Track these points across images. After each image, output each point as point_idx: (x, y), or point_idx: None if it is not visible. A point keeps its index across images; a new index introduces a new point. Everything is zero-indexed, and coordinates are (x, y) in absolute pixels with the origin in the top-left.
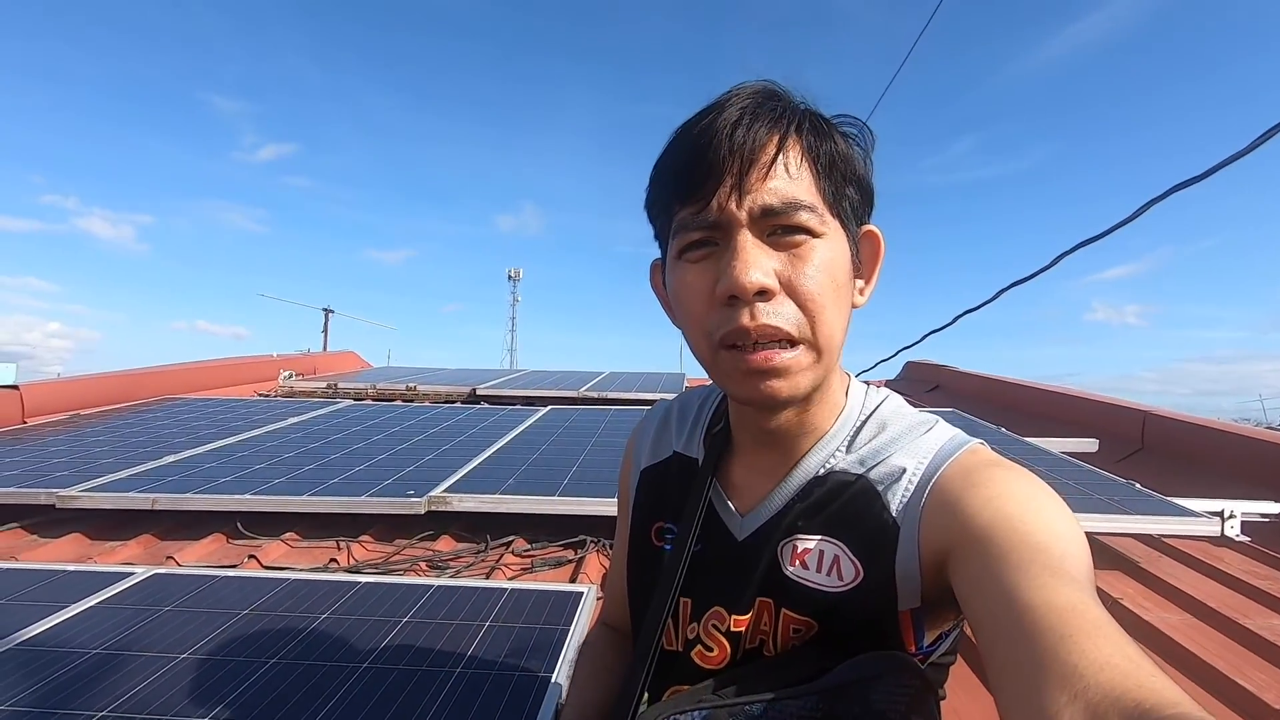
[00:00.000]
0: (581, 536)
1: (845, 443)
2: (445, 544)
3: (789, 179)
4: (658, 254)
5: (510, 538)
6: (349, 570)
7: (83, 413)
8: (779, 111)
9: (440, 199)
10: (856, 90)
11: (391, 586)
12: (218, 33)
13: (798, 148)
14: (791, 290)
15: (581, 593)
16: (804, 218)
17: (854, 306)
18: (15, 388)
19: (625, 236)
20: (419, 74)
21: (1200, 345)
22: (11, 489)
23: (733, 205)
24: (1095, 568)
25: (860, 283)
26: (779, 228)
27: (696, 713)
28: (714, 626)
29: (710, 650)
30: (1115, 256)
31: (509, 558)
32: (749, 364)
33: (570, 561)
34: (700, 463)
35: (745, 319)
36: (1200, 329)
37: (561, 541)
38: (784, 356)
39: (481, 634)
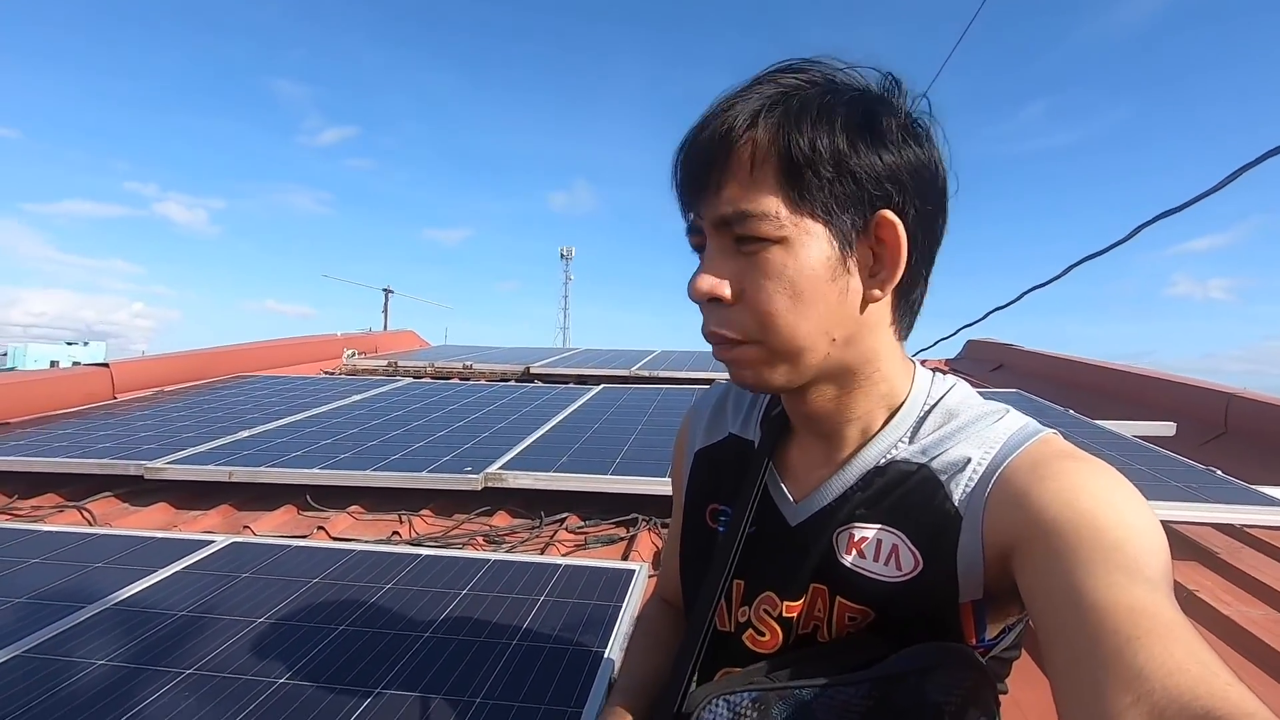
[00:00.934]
0: (633, 514)
1: (909, 433)
2: (501, 519)
3: (746, 185)
4: None
5: (564, 514)
6: (410, 543)
7: (165, 389)
8: (749, 111)
9: (496, 176)
10: (920, 53)
11: (450, 560)
12: (280, 15)
13: (763, 148)
14: (745, 298)
15: (633, 570)
16: (756, 225)
17: (871, 300)
18: (106, 366)
19: (678, 210)
20: (475, 48)
21: None
22: (105, 460)
23: (704, 214)
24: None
25: (882, 274)
26: (738, 236)
27: (747, 694)
28: (765, 611)
29: (762, 635)
30: (1199, 227)
31: (562, 534)
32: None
33: (622, 539)
34: (757, 445)
35: (705, 323)
36: None
37: (614, 519)
38: (733, 352)
39: (536, 608)
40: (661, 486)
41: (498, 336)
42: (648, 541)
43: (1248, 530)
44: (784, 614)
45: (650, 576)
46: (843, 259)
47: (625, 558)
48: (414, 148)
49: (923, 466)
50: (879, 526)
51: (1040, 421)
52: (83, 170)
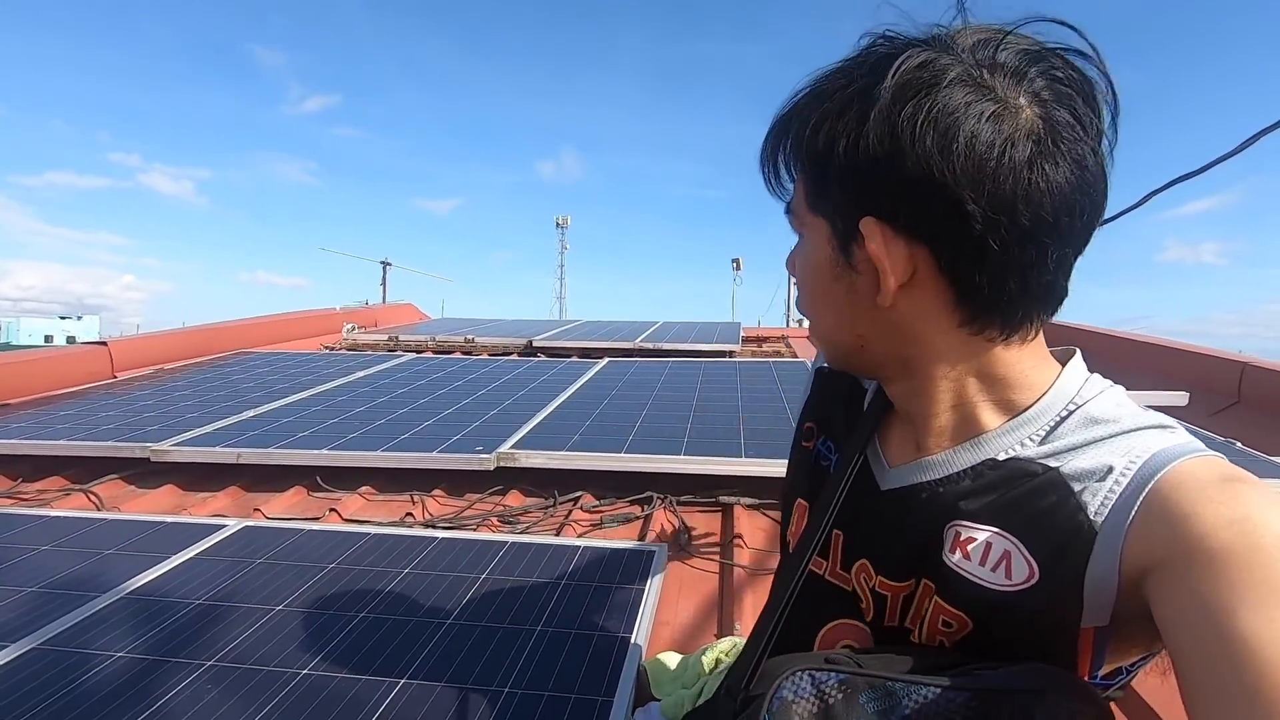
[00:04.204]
0: (649, 493)
1: (1041, 432)
2: (514, 499)
3: (799, 179)
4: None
5: (578, 493)
6: (425, 525)
7: (165, 366)
8: (803, 104)
9: (484, 145)
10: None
11: (468, 543)
12: None
13: (797, 148)
14: None
15: (653, 552)
16: (789, 218)
17: (879, 305)
18: (104, 344)
19: (677, 179)
20: (460, 10)
21: None
22: (110, 442)
23: None
24: None
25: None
26: None
27: (834, 674)
28: (864, 580)
29: (861, 601)
30: (1194, 190)
31: (577, 513)
32: None
33: (638, 518)
34: (869, 397)
35: None
36: None
37: (629, 498)
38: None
39: (558, 592)
40: (676, 464)
41: (495, 308)
42: (664, 521)
43: None
44: (878, 588)
45: (669, 557)
46: (843, 259)
47: (642, 538)
48: (400, 114)
49: (1050, 470)
50: (992, 530)
51: None
52: (64, 141)
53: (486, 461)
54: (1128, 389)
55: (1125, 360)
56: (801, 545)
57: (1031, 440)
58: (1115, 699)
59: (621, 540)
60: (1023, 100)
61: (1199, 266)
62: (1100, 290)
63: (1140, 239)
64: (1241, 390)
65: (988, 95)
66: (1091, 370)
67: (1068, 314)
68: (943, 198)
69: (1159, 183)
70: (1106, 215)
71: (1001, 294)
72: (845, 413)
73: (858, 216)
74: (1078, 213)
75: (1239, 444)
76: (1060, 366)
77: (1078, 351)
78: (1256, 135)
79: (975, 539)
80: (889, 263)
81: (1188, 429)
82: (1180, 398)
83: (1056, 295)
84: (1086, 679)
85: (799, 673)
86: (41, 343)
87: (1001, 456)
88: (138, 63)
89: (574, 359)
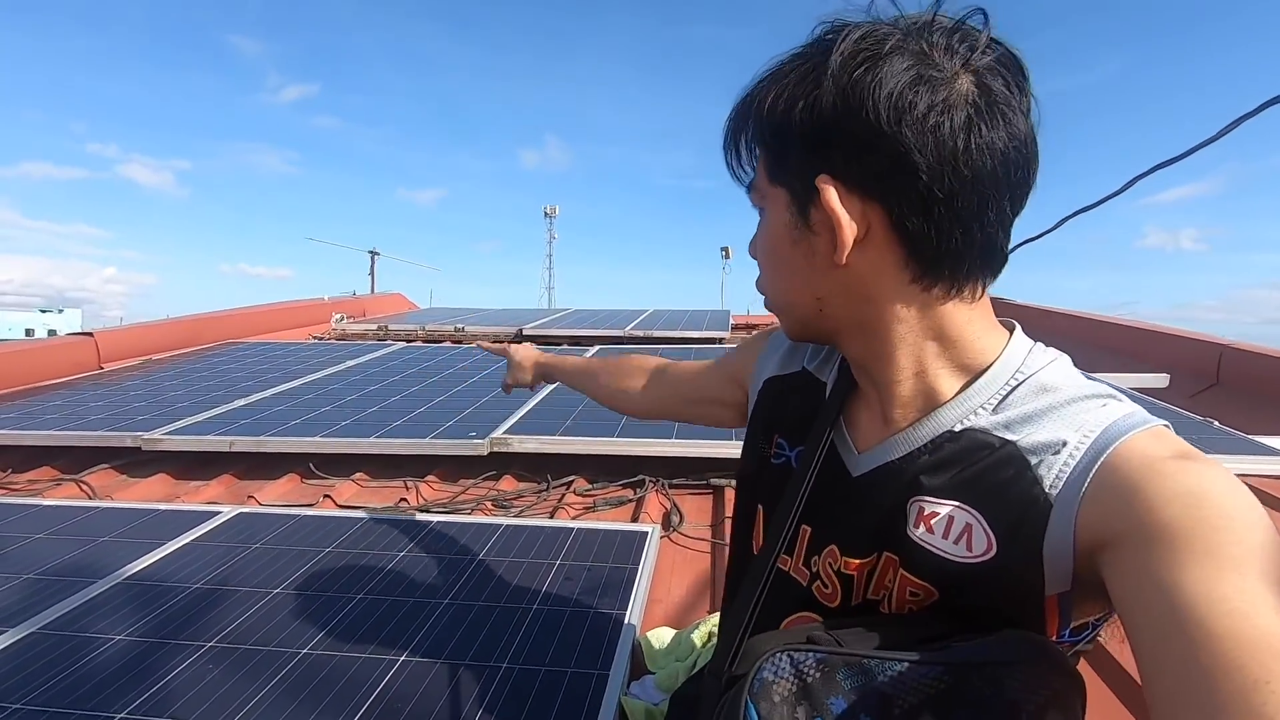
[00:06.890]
0: (641, 476)
1: (993, 401)
2: (508, 484)
3: (754, 156)
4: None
5: (571, 477)
6: (419, 509)
7: (154, 357)
8: (754, 92)
9: (466, 134)
10: None
11: (463, 525)
12: None
13: (759, 124)
14: None
15: (646, 532)
16: (751, 194)
17: (835, 265)
18: (90, 335)
19: (665, 168)
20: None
21: (1268, 270)
22: (101, 432)
23: None
24: None
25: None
26: None
27: (812, 654)
28: (829, 565)
29: (826, 588)
30: (1173, 177)
31: (570, 497)
32: None
33: (630, 501)
34: (830, 389)
35: None
36: (1269, 252)
37: (621, 481)
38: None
39: (553, 573)
40: (668, 447)
41: (482, 298)
42: (656, 503)
43: (1245, 479)
44: (844, 569)
45: (662, 537)
46: (800, 223)
47: (635, 520)
48: (379, 104)
49: (1007, 443)
50: (954, 504)
51: None
52: (40, 131)
53: (480, 447)
54: (1110, 371)
55: (1108, 344)
56: (769, 543)
57: (985, 409)
58: (1085, 651)
59: (614, 522)
60: (959, 69)
61: (1179, 253)
62: (1082, 277)
63: (1120, 226)
64: (1220, 372)
65: (928, 64)
66: (1077, 355)
67: (1051, 300)
68: (890, 151)
69: (1141, 168)
70: (1091, 201)
71: (949, 244)
72: (800, 411)
73: (814, 176)
74: (1013, 168)
75: (1216, 423)
76: (1008, 334)
77: (1016, 324)
78: (1236, 121)
79: (938, 513)
80: (843, 216)
81: (1170, 408)
82: (1161, 379)
83: (998, 255)
84: (1056, 637)
85: (779, 653)
86: (22, 336)
87: (957, 428)
88: (111, 51)
89: (565, 347)
